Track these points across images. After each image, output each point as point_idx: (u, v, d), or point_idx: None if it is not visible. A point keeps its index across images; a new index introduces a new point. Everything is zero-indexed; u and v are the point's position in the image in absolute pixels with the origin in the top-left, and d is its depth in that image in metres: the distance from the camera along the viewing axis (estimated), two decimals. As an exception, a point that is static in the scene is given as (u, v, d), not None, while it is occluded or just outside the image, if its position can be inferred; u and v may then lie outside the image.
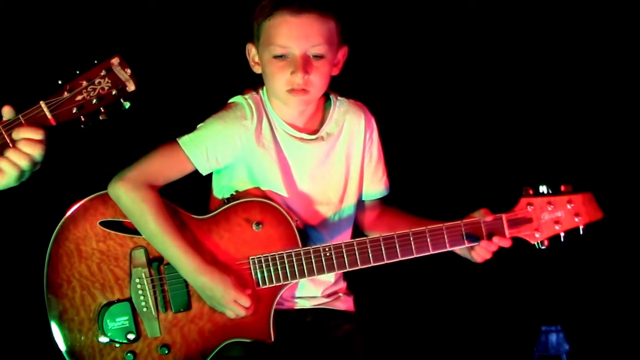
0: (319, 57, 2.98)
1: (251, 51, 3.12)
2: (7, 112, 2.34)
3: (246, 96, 3.13)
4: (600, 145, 4.21)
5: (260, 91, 3.15)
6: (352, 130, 3.21)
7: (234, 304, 2.96)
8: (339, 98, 3.22)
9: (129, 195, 2.94)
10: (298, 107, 3.08)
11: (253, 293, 3.00)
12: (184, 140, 3.01)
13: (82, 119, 2.40)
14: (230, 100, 3.15)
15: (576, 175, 3.17)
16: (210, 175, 3.15)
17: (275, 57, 2.98)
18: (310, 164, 3.14)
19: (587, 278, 4.34)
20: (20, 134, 2.32)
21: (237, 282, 2.98)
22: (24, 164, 2.31)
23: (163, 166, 3.02)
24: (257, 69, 3.11)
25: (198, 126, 3.06)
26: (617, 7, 4.14)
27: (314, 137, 3.14)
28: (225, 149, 3.04)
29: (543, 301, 4.38)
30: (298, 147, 3.12)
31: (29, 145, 2.32)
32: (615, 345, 4.30)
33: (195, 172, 3.06)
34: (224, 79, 3.94)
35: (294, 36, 2.95)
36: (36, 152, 2.32)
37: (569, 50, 4.23)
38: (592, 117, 4.22)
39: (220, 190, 3.17)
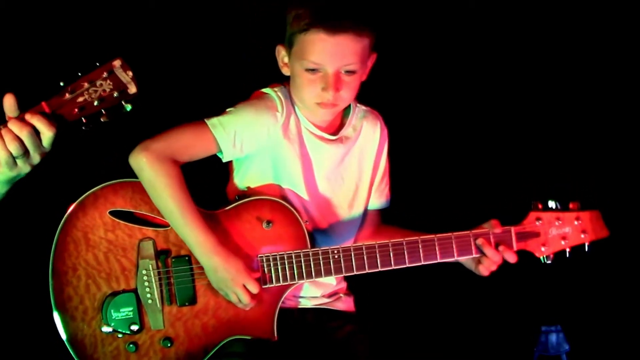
0: (350, 72, 3.06)
1: (281, 52, 3.18)
2: (9, 99, 2.42)
3: (276, 89, 3.21)
4: (608, 162, 4.29)
5: (288, 86, 3.23)
6: (367, 138, 3.32)
7: (241, 289, 3.04)
8: (357, 104, 3.32)
9: (153, 167, 2.99)
10: (324, 118, 3.20)
11: (260, 288, 3.09)
12: (213, 122, 3.08)
13: (84, 120, 2.48)
14: (261, 90, 3.23)
15: (583, 190, 3.29)
16: (223, 170, 3.24)
17: (307, 70, 3.06)
18: (327, 164, 3.25)
19: (587, 278, 4.42)
20: (33, 120, 2.41)
21: (248, 267, 3.07)
22: (14, 147, 2.39)
23: (189, 144, 3.07)
24: (286, 71, 3.19)
25: (227, 110, 3.12)
26: (619, 7, 4.20)
27: (334, 137, 3.24)
28: (252, 137, 3.11)
29: (543, 301, 4.48)
30: (319, 146, 3.22)
31: (27, 133, 2.40)
32: (615, 345, 4.39)
33: (209, 165, 3.15)
34: (225, 82, 4.03)
35: (328, 54, 3.02)
36: (29, 140, 2.40)
37: (581, 61, 4.29)
38: (602, 133, 4.30)
39: (239, 180, 3.24)
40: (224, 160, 3.15)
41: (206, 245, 3.03)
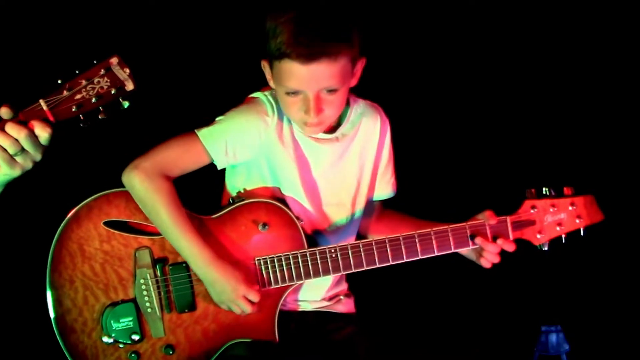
0: (332, 91, 3.04)
1: (266, 67, 3.15)
2: (5, 112, 2.45)
3: (266, 93, 3.21)
4: (600, 148, 4.34)
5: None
6: (368, 132, 3.32)
7: (242, 300, 3.08)
8: (357, 100, 3.32)
9: (143, 184, 3.03)
10: (313, 134, 3.20)
11: (260, 292, 3.12)
12: (203, 133, 3.10)
13: (81, 118, 2.51)
14: (251, 95, 3.24)
15: (577, 177, 3.32)
16: (219, 173, 3.25)
17: (288, 93, 3.05)
18: (325, 163, 3.26)
19: (587, 278, 4.48)
20: (24, 141, 2.43)
21: (246, 277, 3.10)
22: (8, 144, 2.41)
23: (179, 157, 3.10)
24: (273, 85, 3.16)
25: (217, 119, 3.14)
26: (617, 7, 4.27)
27: (329, 136, 3.24)
28: (245, 144, 3.13)
29: (543, 301, 4.53)
30: (314, 147, 3.23)
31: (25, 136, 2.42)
32: (615, 345, 4.44)
33: (204, 170, 3.16)
34: (222, 79, 4.06)
35: (304, 82, 2.98)
36: (26, 140, 2.42)
37: (572, 54, 4.36)
38: (592, 121, 4.36)
39: (236, 187, 3.26)
40: (219, 168, 3.18)
41: (202, 258, 3.06)
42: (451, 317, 4.48)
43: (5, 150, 2.42)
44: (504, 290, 4.42)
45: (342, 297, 3.43)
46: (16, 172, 2.48)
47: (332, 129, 3.26)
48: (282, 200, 3.21)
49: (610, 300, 4.48)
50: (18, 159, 2.45)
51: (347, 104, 3.27)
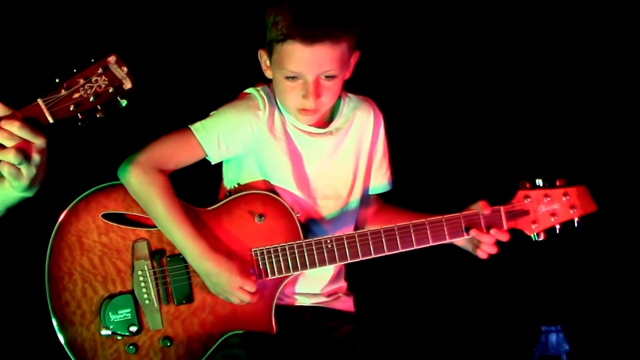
0: (331, 77, 3.11)
1: (263, 57, 3.22)
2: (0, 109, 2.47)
3: (258, 88, 3.27)
4: (593, 140, 4.36)
5: (273, 85, 3.27)
6: (362, 126, 3.36)
7: (239, 291, 3.10)
8: (348, 94, 3.37)
9: (138, 179, 3.07)
10: (307, 123, 3.25)
11: (256, 282, 3.13)
12: (196, 127, 3.15)
13: (80, 117, 2.52)
14: (244, 91, 3.28)
15: (570, 169, 3.34)
16: (215, 167, 3.27)
17: (287, 78, 3.11)
18: (319, 157, 3.30)
19: (587, 278, 4.50)
20: (18, 132, 2.43)
21: (241, 268, 3.12)
22: (11, 156, 2.40)
23: (174, 151, 3.15)
24: (269, 75, 3.23)
25: (211, 113, 3.20)
26: (613, 5, 4.31)
27: (322, 131, 3.29)
28: (237, 137, 3.18)
29: (543, 301, 4.54)
30: (307, 141, 3.27)
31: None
32: (615, 345, 4.45)
33: (202, 164, 3.20)
34: (219, 78, 4.09)
35: (306, 64, 3.05)
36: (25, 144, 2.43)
37: (562, 46, 4.39)
38: (584, 113, 4.38)
39: (229, 182, 3.30)
40: (213, 162, 3.22)
41: (197, 251, 3.09)
42: (451, 317, 4.48)
43: (7, 162, 2.42)
44: (504, 290, 4.43)
45: (341, 294, 3.44)
46: (24, 182, 2.47)
47: (325, 124, 3.31)
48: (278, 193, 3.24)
49: (611, 300, 4.50)
50: (23, 168, 2.44)
51: (339, 98, 3.31)
